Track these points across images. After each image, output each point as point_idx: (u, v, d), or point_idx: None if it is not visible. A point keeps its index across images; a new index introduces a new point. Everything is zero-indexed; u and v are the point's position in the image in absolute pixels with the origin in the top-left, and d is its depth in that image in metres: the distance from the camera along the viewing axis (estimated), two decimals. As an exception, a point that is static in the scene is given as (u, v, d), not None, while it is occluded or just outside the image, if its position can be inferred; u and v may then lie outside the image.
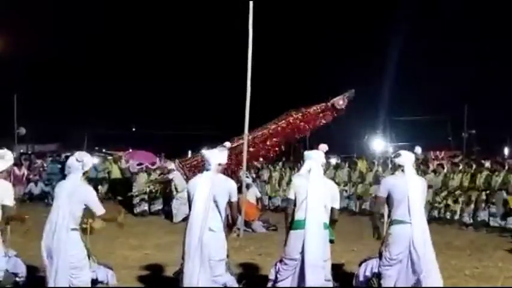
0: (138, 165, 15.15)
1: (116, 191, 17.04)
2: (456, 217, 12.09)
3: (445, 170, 12.96)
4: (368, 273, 5.48)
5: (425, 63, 36.16)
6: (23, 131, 28.27)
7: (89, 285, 5.25)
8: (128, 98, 38.99)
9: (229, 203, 5.18)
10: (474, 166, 12.50)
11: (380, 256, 5.43)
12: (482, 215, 11.57)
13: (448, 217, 12.28)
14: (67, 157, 20.01)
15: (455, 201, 12.16)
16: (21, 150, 28.71)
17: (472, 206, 11.80)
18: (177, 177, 13.10)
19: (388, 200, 5.46)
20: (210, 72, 38.19)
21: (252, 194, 11.93)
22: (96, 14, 39.56)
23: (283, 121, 12.47)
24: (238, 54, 11.64)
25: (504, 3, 34.06)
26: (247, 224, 11.21)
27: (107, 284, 5.45)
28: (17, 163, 17.95)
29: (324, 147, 5.41)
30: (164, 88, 39.61)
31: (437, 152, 25.03)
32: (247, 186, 11.36)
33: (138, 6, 40.31)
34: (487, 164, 13.12)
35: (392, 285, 5.30)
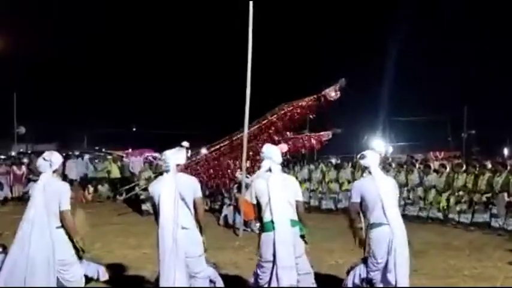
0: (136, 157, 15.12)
1: (116, 190, 17.06)
2: (456, 218, 12.08)
3: (448, 170, 12.91)
4: (357, 280, 5.43)
5: (425, 63, 36.20)
6: (22, 130, 28.30)
7: (83, 281, 5.28)
8: (127, 98, 39.03)
9: (194, 200, 5.15)
10: (477, 167, 12.44)
11: (365, 262, 5.37)
12: (484, 217, 11.55)
13: (449, 217, 12.27)
14: (67, 156, 20.12)
15: (458, 202, 12.14)
16: (21, 150, 28.72)
17: (475, 207, 11.78)
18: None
19: (362, 204, 5.41)
20: (210, 72, 38.22)
21: (250, 194, 11.91)
22: (96, 14, 39.61)
23: (275, 115, 12.37)
24: (238, 54, 11.64)
25: (504, 3, 34.06)
26: (246, 223, 11.20)
27: (98, 279, 5.47)
28: (17, 162, 17.95)
29: (283, 147, 5.34)
30: (164, 88, 39.66)
31: (437, 153, 25.06)
32: (246, 186, 11.35)
33: (138, 6, 40.34)
34: (488, 164, 13.09)
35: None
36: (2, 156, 21.47)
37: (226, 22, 28.14)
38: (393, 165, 15.34)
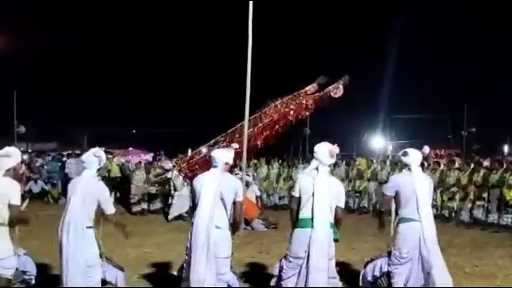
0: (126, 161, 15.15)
1: (116, 189, 17.05)
2: (453, 215, 12.15)
3: (441, 167, 13.02)
4: (377, 273, 5.46)
5: (425, 62, 36.23)
6: (22, 129, 28.25)
7: (99, 285, 5.23)
8: (128, 97, 39.02)
9: (234, 203, 5.17)
10: (472, 165, 12.56)
11: (389, 255, 5.41)
12: (478, 213, 11.65)
13: (446, 215, 12.33)
14: (68, 155, 20.06)
15: (451, 198, 12.23)
16: (21, 149, 28.72)
17: (469, 204, 11.86)
18: (174, 176, 13.10)
19: (396, 198, 5.46)
20: (209, 72, 38.21)
21: (252, 192, 11.95)
22: (96, 14, 39.59)
23: (275, 108, 12.26)
24: (238, 54, 11.64)
25: (504, 3, 34.02)
26: (247, 222, 11.23)
27: (116, 284, 5.41)
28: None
29: (335, 149, 5.35)
30: (164, 87, 39.65)
31: (437, 151, 25.06)
32: (247, 185, 11.36)
33: (138, 6, 40.32)
34: (486, 162, 13.17)
35: (403, 284, 5.28)
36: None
37: (226, 22, 28.14)
38: (387, 162, 15.48)
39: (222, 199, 5.05)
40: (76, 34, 39.53)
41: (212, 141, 12.62)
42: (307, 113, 12.41)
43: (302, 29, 38.54)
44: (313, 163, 5.25)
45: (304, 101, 12.03)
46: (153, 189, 14.45)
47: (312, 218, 4.99)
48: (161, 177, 14.01)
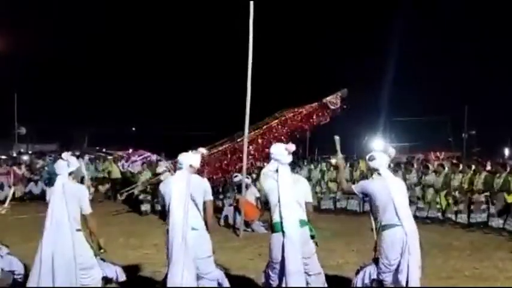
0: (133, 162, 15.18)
1: (116, 190, 17.04)
2: (455, 218, 12.13)
3: (446, 170, 12.99)
4: (366, 281, 5.41)
5: (425, 63, 36.24)
6: (23, 130, 28.31)
7: (100, 284, 5.26)
8: (128, 98, 39.03)
9: (204, 202, 5.20)
10: (473, 167, 12.53)
11: (376, 262, 5.36)
12: (482, 216, 11.60)
13: (448, 217, 12.32)
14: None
15: (456, 202, 12.21)
16: (21, 150, 28.74)
17: (472, 207, 11.84)
18: (167, 178, 13.00)
19: (372, 205, 5.39)
20: (210, 73, 38.23)
21: (251, 194, 11.94)
22: (96, 14, 39.61)
23: (276, 120, 12.30)
24: (238, 55, 11.63)
25: (504, 3, 34.04)
26: (246, 224, 11.22)
27: (117, 280, 5.46)
28: (17, 163, 17.95)
29: (291, 147, 5.32)
30: (165, 88, 39.66)
31: (437, 153, 25.05)
32: (246, 187, 11.37)
33: (138, 6, 40.34)
34: (487, 164, 13.14)
35: None
36: (3, 157, 21.48)
37: (226, 22, 28.15)
38: (391, 165, 15.44)
39: (192, 200, 5.07)
40: (76, 34, 39.59)
41: (214, 148, 12.64)
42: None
43: (302, 29, 38.60)
44: (272, 165, 5.20)
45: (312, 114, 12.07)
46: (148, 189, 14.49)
47: (281, 221, 4.97)
48: (157, 178, 13.98)
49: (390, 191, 5.23)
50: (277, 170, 5.15)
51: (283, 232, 4.93)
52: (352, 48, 38.55)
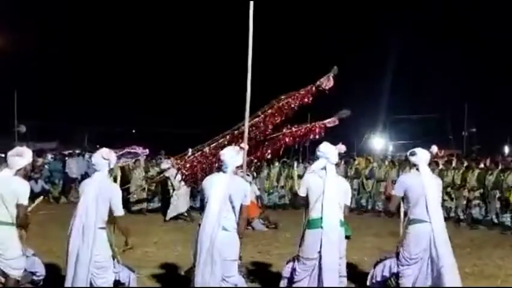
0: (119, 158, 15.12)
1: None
2: (451, 214, 12.21)
3: (440, 167, 13.06)
4: (386, 273, 5.45)
5: (425, 61, 36.17)
6: (23, 128, 28.21)
7: (111, 286, 5.20)
8: (128, 97, 38.99)
9: (241, 205, 5.11)
10: (465, 164, 12.62)
11: (397, 256, 5.39)
12: (475, 213, 11.69)
13: (444, 214, 12.38)
14: (70, 154, 19.99)
15: (449, 198, 12.28)
16: (22, 148, 28.65)
17: (464, 203, 11.92)
18: (173, 175, 13.03)
19: (405, 199, 5.45)
20: (210, 72, 38.20)
21: (252, 192, 11.93)
22: (97, 13, 39.59)
23: (273, 107, 12.21)
24: (238, 55, 11.61)
25: (505, 3, 33.98)
26: (247, 222, 11.22)
27: (128, 285, 5.38)
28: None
29: (342, 148, 5.37)
30: (164, 87, 39.62)
31: (437, 151, 25.00)
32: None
33: (138, 6, 40.31)
34: (486, 162, 13.18)
35: (411, 285, 5.28)
36: (2, 155, 21.46)
37: (226, 22, 28.14)
38: (386, 162, 15.56)
39: (230, 202, 5.01)
40: (77, 32, 39.56)
41: (215, 142, 12.55)
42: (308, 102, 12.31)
43: (302, 29, 38.54)
44: (320, 162, 5.26)
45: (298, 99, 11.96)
46: (152, 187, 14.45)
47: (322, 218, 4.99)
48: (160, 176, 13.98)
49: (424, 186, 5.29)
50: (324, 168, 5.20)
51: (322, 229, 4.95)
52: (351, 45, 38.55)
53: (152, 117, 38.45)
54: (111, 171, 5.42)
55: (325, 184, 5.08)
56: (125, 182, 15.13)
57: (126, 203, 14.32)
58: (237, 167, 5.23)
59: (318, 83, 12.13)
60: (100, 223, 5.09)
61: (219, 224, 4.90)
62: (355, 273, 6.50)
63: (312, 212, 5.09)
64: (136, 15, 40.83)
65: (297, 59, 37.57)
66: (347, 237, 5.22)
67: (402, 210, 5.68)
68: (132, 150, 15.62)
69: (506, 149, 29.88)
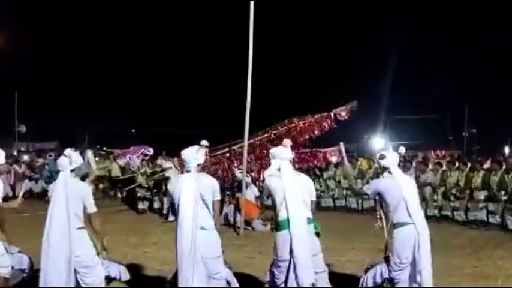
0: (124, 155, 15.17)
1: (116, 189, 17.04)
2: (450, 215, 12.21)
3: (443, 168, 13.04)
4: (378, 279, 5.42)
5: (425, 61, 36.18)
6: (23, 129, 28.30)
7: (103, 284, 5.22)
8: (129, 97, 39.02)
9: (213, 202, 5.13)
10: (469, 165, 12.59)
11: (387, 261, 5.37)
12: (480, 214, 11.64)
13: (447, 215, 12.36)
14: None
15: (453, 199, 12.27)
16: (22, 148, 28.75)
17: (468, 204, 11.89)
18: (174, 175, 13.00)
19: (383, 204, 5.44)
20: (210, 72, 38.21)
21: (251, 193, 11.94)
22: (97, 13, 39.60)
23: (285, 127, 12.32)
24: (238, 55, 11.63)
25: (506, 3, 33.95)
26: (247, 222, 11.22)
27: (120, 279, 5.43)
28: (17, 161, 17.93)
29: (288, 142, 5.36)
30: (165, 87, 39.64)
31: (438, 151, 25.01)
32: (246, 186, 11.36)
33: (139, 6, 40.32)
34: (487, 163, 13.16)
35: None
36: (3, 155, 21.40)
37: (226, 23, 28.15)
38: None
39: (203, 200, 5.02)
40: (77, 32, 39.59)
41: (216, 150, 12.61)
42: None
43: (302, 29, 38.55)
44: (274, 164, 5.24)
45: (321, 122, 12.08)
46: (150, 184, 14.49)
47: (288, 219, 4.98)
48: (160, 174, 13.97)
49: (401, 189, 5.26)
50: (279, 169, 5.17)
51: (289, 229, 4.94)
52: (351, 45, 38.55)
53: (152, 117, 38.46)
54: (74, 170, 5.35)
55: (284, 184, 5.06)
56: (129, 182, 15.20)
57: (133, 203, 14.38)
58: (198, 165, 5.17)
59: (334, 112, 12.26)
60: (77, 223, 5.12)
61: (196, 225, 4.90)
62: (354, 274, 6.49)
63: (279, 214, 5.09)
64: (136, 15, 40.84)
65: (297, 58, 37.57)
66: (317, 234, 5.17)
67: (382, 214, 5.65)
68: (140, 151, 15.68)
69: (507, 150, 29.85)
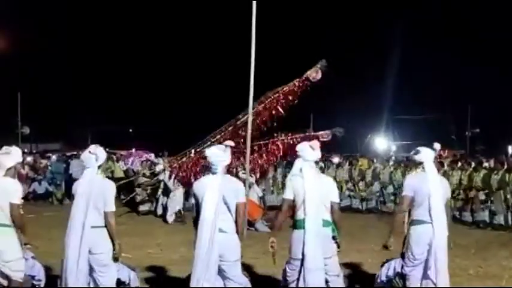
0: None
1: (120, 190, 17.00)
2: (457, 216, 12.16)
3: (445, 168, 13.00)
4: (391, 273, 5.45)
5: (428, 61, 36.10)
6: (26, 130, 28.32)
7: (114, 285, 5.17)
8: (131, 97, 39.01)
9: (236, 204, 5.05)
10: (473, 164, 12.55)
11: (402, 257, 5.38)
12: (482, 214, 11.61)
13: (450, 215, 12.34)
14: (73, 156, 20.00)
15: (455, 199, 12.24)
16: (25, 150, 28.75)
17: (472, 205, 11.85)
18: (167, 177, 12.91)
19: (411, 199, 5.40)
20: (210, 72, 38.20)
21: (254, 193, 11.92)
22: (96, 13, 39.64)
23: (262, 104, 12.01)
24: (240, 55, 11.62)
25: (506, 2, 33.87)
26: (250, 223, 11.20)
27: (129, 284, 5.36)
28: (20, 162, 17.90)
29: (315, 144, 5.30)
30: (165, 87, 39.62)
31: (441, 151, 24.94)
32: (249, 186, 11.34)
33: (139, 6, 40.35)
34: (490, 162, 13.12)
35: (418, 285, 5.27)
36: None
37: (229, 22, 28.15)
38: (391, 162, 15.48)
39: (225, 203, 4.97)
40: (78, 33, 39.62)
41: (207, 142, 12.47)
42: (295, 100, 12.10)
43: (302, 29, 38.53)
44: (297, 164, 5.24)
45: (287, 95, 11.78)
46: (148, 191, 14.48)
47: (304, 219, 4.98)
48: (156, 179, 13.92)
49: (429, 187, 5.23)
50: (301, 169, 5.16)
51: (304, 229, 4.94)
52: (354, 48, 38.50)
53: (152, 117, 38.47)
54: (101, 166, 5.25)
55: (305, 184, 5.05)
56: (131, 187, 15.17)
57: (134, 206, 14.35)
58: (225, 166, 5.08)
59: (305, 75, 12.03)
60: (98, 221, 5.04)
61: (216, 227, 4.86)
62: (359, 275, 6.48)
63: (297, 213, 5.10)
64: (136, 15, 40.86)
65: (297, 58, 37.49)
66: (334, 237, 5.15)
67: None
68: (142, 157, 15.62)
69: (510, 150, 29.78)
